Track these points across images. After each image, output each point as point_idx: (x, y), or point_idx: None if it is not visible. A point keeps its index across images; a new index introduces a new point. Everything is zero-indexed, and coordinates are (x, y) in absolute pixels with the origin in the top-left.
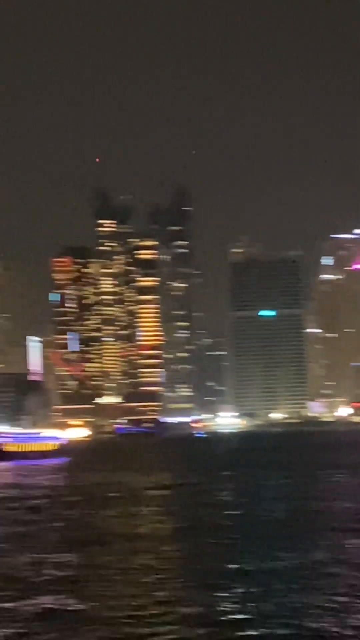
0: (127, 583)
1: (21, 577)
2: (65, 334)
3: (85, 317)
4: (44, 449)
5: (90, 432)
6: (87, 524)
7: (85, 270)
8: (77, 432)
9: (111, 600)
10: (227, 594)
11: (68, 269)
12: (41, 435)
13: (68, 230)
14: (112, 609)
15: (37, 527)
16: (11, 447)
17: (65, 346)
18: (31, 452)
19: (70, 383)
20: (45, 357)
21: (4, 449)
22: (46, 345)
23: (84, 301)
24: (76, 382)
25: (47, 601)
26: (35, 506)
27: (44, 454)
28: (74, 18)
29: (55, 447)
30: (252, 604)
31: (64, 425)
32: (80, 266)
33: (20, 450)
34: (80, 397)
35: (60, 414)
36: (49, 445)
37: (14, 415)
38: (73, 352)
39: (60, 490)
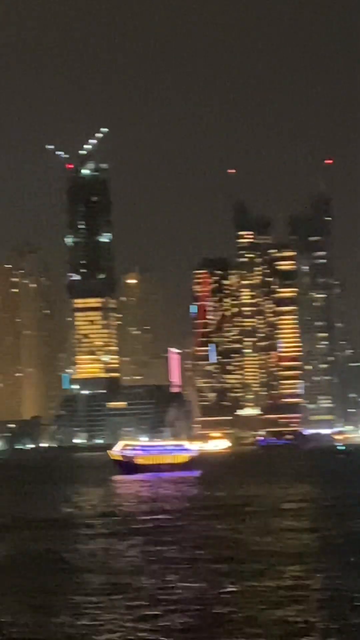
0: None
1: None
2: (205, 346)
3: (225, 328)
4: (175, 461)
5: (230, 444)
6: (224, 539)
7: (225, 281)
8: (218, 443)
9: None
10: None
11: (208, 280)
12: (172, 447)
13: (207, 242)
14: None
15: (173, 544)
16: (142, 460)
17: (205, 358)
18: (162, 464)
19: (210, 395)
20: (185, 369)
21: (135, 462)
22: (186, 357)
23: (223, 313)
24: (215, 394)
25: None
26: (167, 520)
27: (175, 467)
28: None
29: (187, 460)
30: None
31: (204, 437)
32: (220, 278)
33: (151, 462)
34: (220, 408)
35: (200, 425)
36: (181, 458)
37: (155, 426)
38: (212, 363)
39: (195, 503)
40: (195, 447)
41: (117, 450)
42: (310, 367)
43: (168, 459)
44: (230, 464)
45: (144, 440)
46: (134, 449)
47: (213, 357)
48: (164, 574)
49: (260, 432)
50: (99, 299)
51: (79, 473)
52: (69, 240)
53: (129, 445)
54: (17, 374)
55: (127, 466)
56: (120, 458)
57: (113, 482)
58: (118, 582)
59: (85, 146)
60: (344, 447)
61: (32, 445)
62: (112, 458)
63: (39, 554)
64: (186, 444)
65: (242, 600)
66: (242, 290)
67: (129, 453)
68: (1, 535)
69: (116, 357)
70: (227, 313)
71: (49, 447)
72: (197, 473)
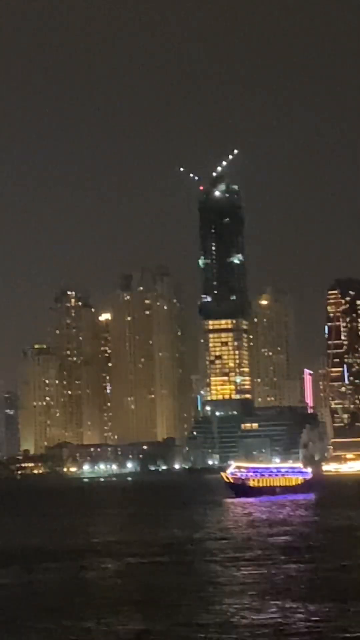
0: None
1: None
2: (339, 367)
3: (359, 349)
4: (289, 484)
5: None
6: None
7: (358, 302)
8: (354, 465)
9: None
10: None
11: (340, 301)
12: (286, 469)
13: (340, 262)
14: None
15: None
16: (255, 482)
17: (338, 379)
18: (275, 487)
19: (344, 416)
20: (319, 390)
21: (248, 484)
22: (319, 377)
23: (357, 333)
24: (349, 415)
25: None
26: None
27: (289, 489)
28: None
29: (300, 482)
30: None
31: (339, 459)
32: (353, 298)
33: (264, 485)
34: (355, 429)
35: (334, 447)
36: (294, 480)
37: (288, 448)
38: (346, 384)
39: (309, 528)
40: (310, 470)
41: (230, 472)
42: None
43: (281, 481)
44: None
45: (275, 461)
46: (246, 471)
47: (347, 378)
48: None
49: None
50: (231, 320)
51: (200, 494)
52: (201, 261)
53: (241, 467)
54: (150, 396)
55: (240, 488)
56: (232, 480)
57: (224, 504)
58: None
59: (218, 168)
60: None
61: (165, 467)
62: (224, 480)
63: None
64: (300, 466)
65: None
66: None
67: (241, 475)
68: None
69: (248, 378)
70: None
71: (181, 468)
72: (311, 496)
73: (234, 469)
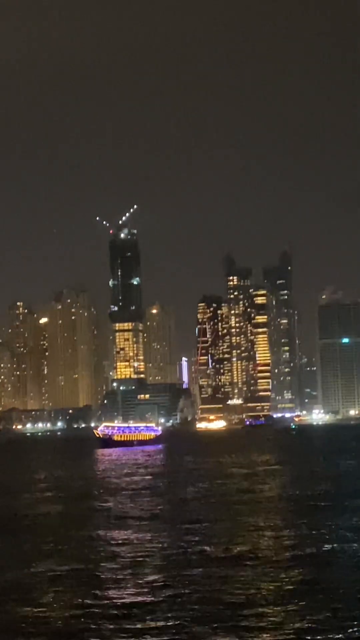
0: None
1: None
2: (205, 356)
3: (219, 344)
4: (144, 438)
5: (225, 424)
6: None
7: (219, 311)
8: (217, 424)
9: None
10: None
11: (206, 310)
12: (143, 427)
13: (206, 284)
14: None
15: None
16: (119, 437)
17: (205, 364)
18: (134, 440)
19: (208, 390)
20: (191, 372)
21: (114, 438)
22: (191, 363)
23: (217, 333)
24: (212, 389)
25: None
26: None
27: (144, 442)
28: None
29: (153, 437)
30: None
31: (206, 419)
32: (215, 309)
33: (125, 439)
34: (215, 399)
35: (201, 411)
36: (148, 436)
37: (170, 412)
38: (210, 368)
39: (160, 469)
40: (160, 428)
41: (100, 430)
42: (277, 371)
43: (139, 436)
44: (187, 440)
45: (161, 422)
46: (112, 429)
47: (210, 364)
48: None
49: (244, 416)
50: (131, 323)
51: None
52: (110, 282)
53: (109, 426)
54: (75, 376)
55: (107, 442)
56: (101, 436)
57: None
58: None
59: (123, 218)
60: (294, 427)
61: (84, 425)
62: (96, 435)
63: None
64: (153, 425)
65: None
66: (230, 317)
67: (108, 432)
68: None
69: (143, 363)
70: (220, 333)
71: (96, 426)
72: (160, 447)
73: (103, 428)
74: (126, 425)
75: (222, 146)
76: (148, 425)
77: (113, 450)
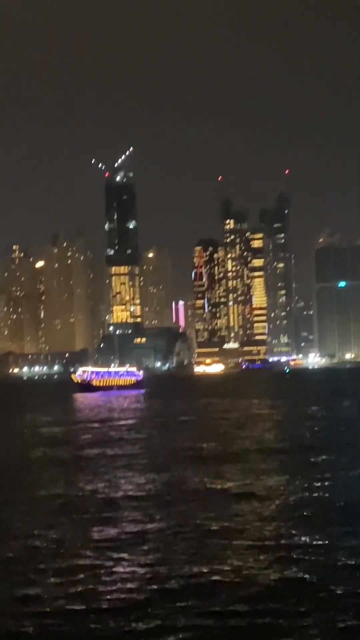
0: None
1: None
2: (202, 300)
3: (215, 288)
4: (124, 383)
5: (223, 367)
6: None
7: (215, 255)
8: (214, 367)
9: None
10: None
11: (203, 254)
12: (123, 372)
13: (203, 227)
14: None
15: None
16: (97, 382)
17: (201, 308)
18: (113, 385)
19: (204, 334)
20: (187, 316)
21: (92, 383)
22: (188, 307)
23: (214, 277)
24: (208, 333)
25: None
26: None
27: (125, 387)
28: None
29: (133, 382)
30: None
31: (202, 363)
32: (211, 252)
33: (104, 385)
34: (212, 343)
35: (197, 355)
36: (129, 381)
37: (166, 356)
38: (206, 312)
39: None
40: (141, 372)
41: (77, 375)
42: (273, 315)
43: (119, 381)
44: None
45: (157, 365)
46: (90, 374)
47: (207, 308)
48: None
49: (240, 360)
50: (127, 267)
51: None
52: (106, 226)
53: (87, 371)
54: (71, 319)
55: (85, 387)
56: (80, 381)
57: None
58: None
59: (119, 160)
60: (289, 370)
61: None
62: (74, 381)
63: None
64: (134, 370)
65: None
66: (227, 261)
67: (86, 376)
68: None
69: (139, 307)
70: (217, 277)
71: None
72: (142, 392)
73: (80, 373)
74: (105, 369)
75: (219, 86)
76: (129, 370)
77: (92, 395)
